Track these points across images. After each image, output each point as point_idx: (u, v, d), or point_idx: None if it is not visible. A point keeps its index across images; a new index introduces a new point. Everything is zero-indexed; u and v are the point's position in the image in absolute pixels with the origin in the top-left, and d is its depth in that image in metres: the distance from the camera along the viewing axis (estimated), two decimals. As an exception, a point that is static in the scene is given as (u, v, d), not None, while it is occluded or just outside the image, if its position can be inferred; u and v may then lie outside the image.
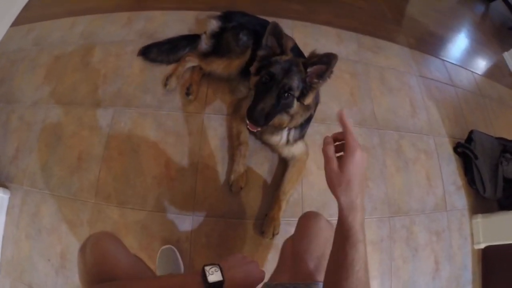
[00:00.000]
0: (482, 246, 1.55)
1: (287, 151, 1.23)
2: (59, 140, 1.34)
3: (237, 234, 1.21)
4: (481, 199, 1.68)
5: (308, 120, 1.18)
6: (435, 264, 1.48)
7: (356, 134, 1.52)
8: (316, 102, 1.18)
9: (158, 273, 1.08)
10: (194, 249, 1.16)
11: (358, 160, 0.51)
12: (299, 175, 1.27)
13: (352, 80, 1.71)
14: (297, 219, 1.26)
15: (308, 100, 1.03)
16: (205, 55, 1.40)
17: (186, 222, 1.19)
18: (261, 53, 1.02)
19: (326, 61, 0.93)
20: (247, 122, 1.01)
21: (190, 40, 1.51)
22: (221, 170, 1.29)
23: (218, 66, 1.36)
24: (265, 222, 1.20)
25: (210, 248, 1.18)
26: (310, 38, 1.81)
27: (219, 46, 1.36)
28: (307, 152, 1.29)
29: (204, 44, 1.42)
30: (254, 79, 1.05)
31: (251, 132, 1.29)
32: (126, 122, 1.36)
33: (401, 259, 1.41)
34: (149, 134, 1.33)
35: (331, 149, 0.55)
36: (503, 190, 1.68)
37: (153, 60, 1.50)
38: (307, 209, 1.30)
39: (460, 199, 1.65)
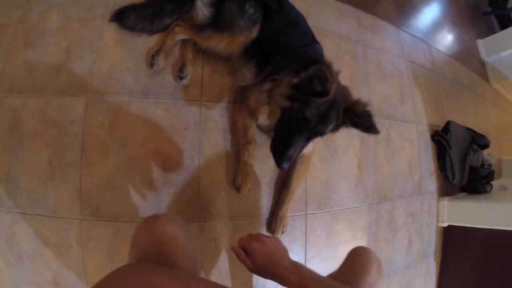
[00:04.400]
0: (445, 224, 1.78)
1: None
2: (20, 142, 1.03)
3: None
4: (448, 183, 1.87)
5: None
6: (408, 241, 1.67)
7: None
8: None
9: None
10: (204, 257, 1.09)
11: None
12: (306, 172, 1.25)
13: (352, 63, 1.63)
14: (303, 213, 1.28)
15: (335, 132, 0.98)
16: (201, 28, 1.13)
17: (192, 230, 1.08)
18: (295, 81, 0.87)
19: (368, 127, 0.89)
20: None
21: (178, 3, 1.18)
22: (226, 169, 1.17)
23: (217, 42, 1.11)
24: (273, 221, 1.17)
25: (220, 253, 1.12)
26: (312, 10, 1.63)
27: (220, 18, 1.10)
28: (314, 148, 1.25)
29: (201, 13, 1.15)
30: (283, 102, 0.91)
31: (258, 127, 1.18)
32: (105, 115, 1.06)
33: (384, 241, 1.55)
34: (136, 128, 1.08)
35: (241, 254, 0.70)
36: (469, 175, 1.90)
37: (131, 29, 1.16)
38: (310, 204, 1.31)
39: (432, 184, 1.83)
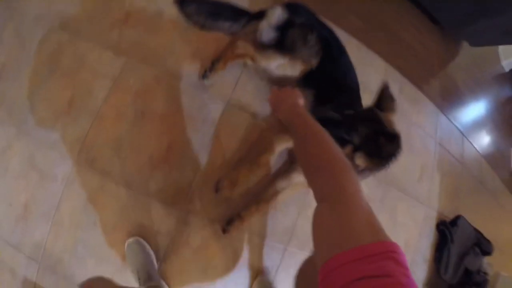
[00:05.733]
0: (422, 320, 1.65)
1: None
2: (53, 73, 1.11)
3: (221, 245, 1.14)
4: (437, 277, 1.76)
5: None
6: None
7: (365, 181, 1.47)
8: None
9: (129, 265, 0.98)
10: (173, 248, 1.07)
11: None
12: (290, 194, 1.21)
13: (380, 124, 1.63)
14: (283, 246, 1.21)
15: None
16: (263, 47, 1.17)
17: (171, 217, 1.08)
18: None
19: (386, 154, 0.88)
20: None
21: (236, 14, 1.23)
22: (224, 173, 1.15)
23: (276, 63, 1.15)
24: (234, 218, 1.13)
25: (189, 250, 1.09)
26: (359, 62, 1.66)
27: (284, 41, 1.14)
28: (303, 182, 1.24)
29: (265, 35, 1.17)
30: None
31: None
32: (135, 81, 1.14)
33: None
34: (158, 104, 1.14)
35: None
36: (462, 277, 1.78)
37: (187, 16, 1.20)
38: (294, 240, 1.26)
39: (421, 272, 1.72)
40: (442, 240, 1.77)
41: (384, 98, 0.98)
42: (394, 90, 1.71)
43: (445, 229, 1.75)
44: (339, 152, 0.57)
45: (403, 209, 1.62)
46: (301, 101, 0.79)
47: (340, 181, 0.51)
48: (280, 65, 1.14)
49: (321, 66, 1.12)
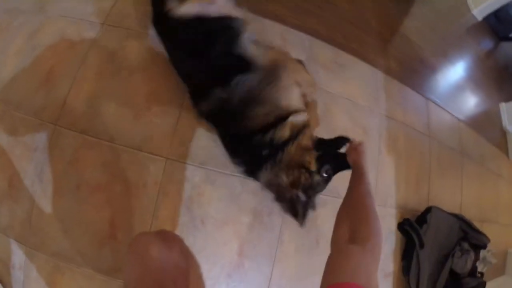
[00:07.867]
0: None
1: None
2: None
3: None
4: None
5: None
6: None
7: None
8: None
9: None
10: (27, 281, 1.01)
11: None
12: None
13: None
14: None
15: None
16: None
17: (21, 251, 1.01)
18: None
19: None
20: None
21: None
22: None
23: None
24: None
25: (41, 282, 1.00)
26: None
27: None
28: None
29: None
30: None
31: None
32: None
33: None
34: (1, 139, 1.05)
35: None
36: (446, 286, 1.30)
37: None
38: None
39: (383, 290, 1.27)
40: (408, 244, 1.31)
41: None
42: (300, 57, 1.32)
43: (410, 230, 1.28)
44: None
45: (329, 216, 1.15)
46: None
47: (378, 239, 0.60)
48: None
49: None
